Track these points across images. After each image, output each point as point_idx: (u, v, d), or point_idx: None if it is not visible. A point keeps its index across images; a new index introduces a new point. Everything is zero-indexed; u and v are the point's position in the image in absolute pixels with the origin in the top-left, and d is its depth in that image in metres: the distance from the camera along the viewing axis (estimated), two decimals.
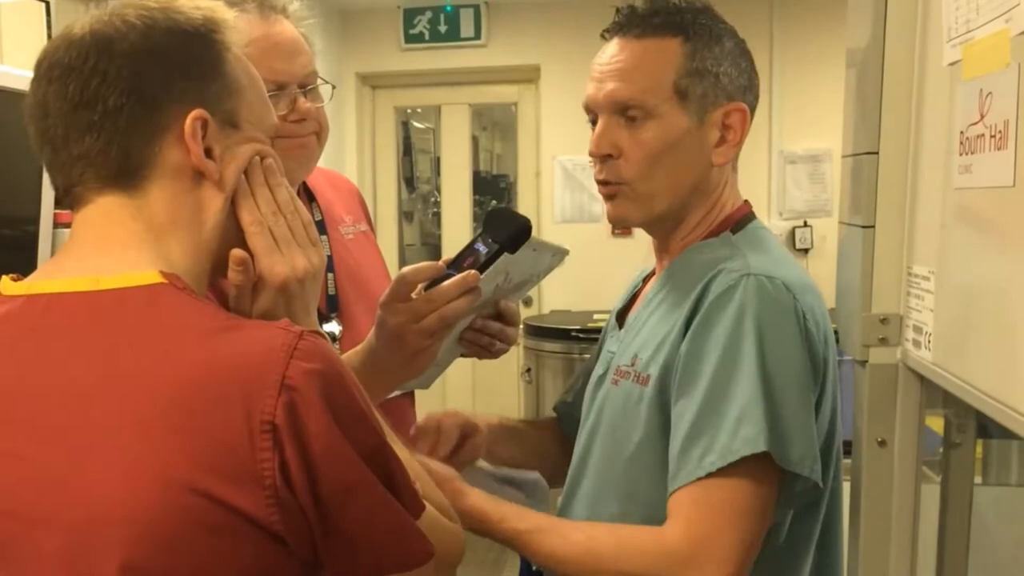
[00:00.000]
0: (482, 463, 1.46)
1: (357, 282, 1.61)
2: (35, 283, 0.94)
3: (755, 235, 1.33)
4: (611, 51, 1.30)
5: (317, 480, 0.85)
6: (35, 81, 0.95)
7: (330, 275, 1.58)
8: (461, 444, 1.44)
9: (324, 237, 1.60)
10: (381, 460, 0.91)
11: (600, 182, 1.33)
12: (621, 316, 1.44)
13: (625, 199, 1.31)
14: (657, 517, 1.21)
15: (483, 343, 1.47)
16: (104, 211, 0.94)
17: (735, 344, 1.17)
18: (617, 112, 1.28)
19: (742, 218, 1.34)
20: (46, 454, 0.86)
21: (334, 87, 1.56)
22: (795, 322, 1.18)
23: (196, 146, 0.94)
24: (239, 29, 1.01)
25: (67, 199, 0.97)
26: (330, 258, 1.59)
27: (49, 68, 0.94)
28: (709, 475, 1.14)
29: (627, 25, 1.30)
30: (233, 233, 0.99)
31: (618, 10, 1.32)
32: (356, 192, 1.80)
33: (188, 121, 0.93)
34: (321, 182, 1.68)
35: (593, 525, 1.27)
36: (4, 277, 0.97)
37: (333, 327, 1.54)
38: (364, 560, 0.92)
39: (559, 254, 1.44)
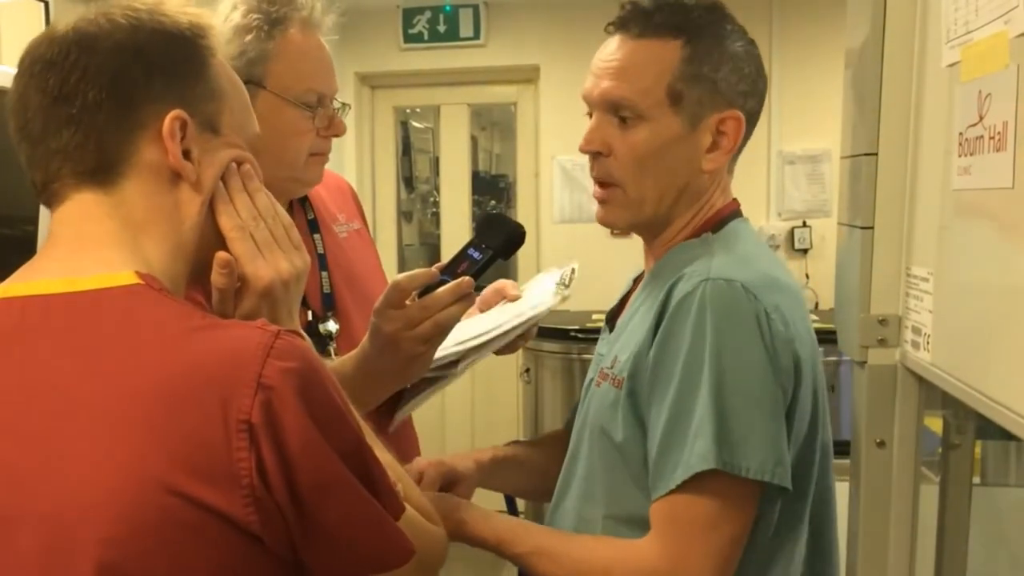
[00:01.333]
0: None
1: (351, 281, 1.61)
2: (11, 286, 0.94)
3: (731, 233, 1.31)
4: (611, 48, 1.29)
5: (294, 479, 0.85)
6: (17, 76, 0.95)
7: (324, 274, 1.58)
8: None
9: (317, 236, 1.61)
10: (359, 459, 0.91)
11: (595, 180, 1.32)
12: (612, 319, 1.44)
13: (615, 203, 1.31)
14: (641, 517, 1.22)
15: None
16: (81, 208, 0.94)
17: (694, 355, 1.17)
18: (609, 111, 1.27)
19: (726, 216, 1.33)
20: (22, 454, 0.86)
21: (349, 107, 1.59)
22: (755, 326, 1.17)
23: (174, 146, 0.94)
24: (222, 35, 1.03)
25: (44, 195, 0.97)
26: (324, 257, 1.60)
27: (31, 63, 0.94)
28: (678, 488, 1.16)
29: (629, 22, 1.27)
30: (211, 236, 0.99)
31: (622, 4, 1.29)
32: (349, 189, 1.80)
33: (167, 120, 0.93)
34: None
35: (584, 546, 1.28)
36: None
37: (330, 326, 1.54)
38: (343, 560, 0.92)
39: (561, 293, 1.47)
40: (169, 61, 0.95)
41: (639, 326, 1.28)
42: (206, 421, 0.83)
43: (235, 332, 0.89)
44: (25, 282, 0.94)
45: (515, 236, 1.39)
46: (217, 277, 1.00)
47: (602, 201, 1.32)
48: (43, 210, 0.95)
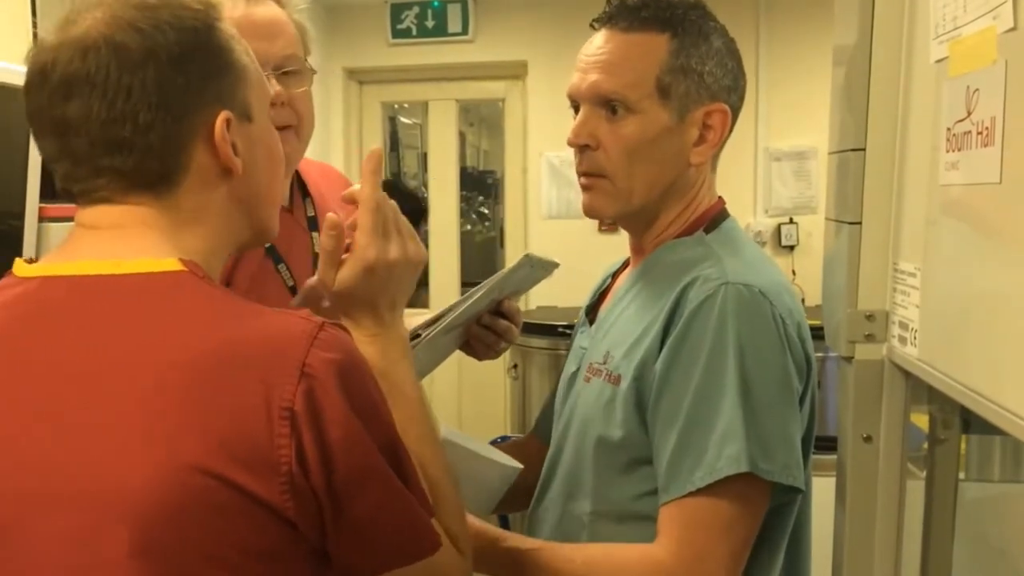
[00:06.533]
0: (455, 434, 1.39)
1: None
2: (51, 265, 0.94)
3: (728, 235, 1.33)
4: (598, 42, 1.30)
5: (332, 467, 0.86)
6: (45, 93, 0.91)
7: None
8: None
9: (315, 233, 1.60)
10: (394, 452, 0.92)
11: (581, 173, 1.33)
12: (591, 311, 1.43)
13: (602, 192, 1.31)
14: (629, 515, 1.23)
15: (489, 341, 1.48)
16: (128, 208, 0.94)
17: (717, 358, 1.17)
18: (599, 104, 1.28)
19: (716, 216, 1.34)
20: (60, 434, 0.85)
21: (314, 72, 1.52)
22: (775, 330, 1.19)
23: (227, 147, 0.95)
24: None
25: (82, 200, 0.96)
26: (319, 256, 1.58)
27: (64, 82, 0.90)
28: (698, 490, 1.16)
29: (615, 17, 1.29)
30: (255, 207, 1.01)
31: (608, 1, 1.31)
32: (347, 184, 1.79)
33: (218, 126, 0.94)
34: (315, 175, 1.67)
35: (584, 554, 1.25)
36: (17, 259, 0.97)
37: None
38: (373, 549, 0.92)
39: (549, 267, 1.45)
40: (202, 59, 0.94)
41: (634, 323, 1.28)
42: (247, 406, 0.84)
43: (280, 320, 0.90)
44: (67, 262, 0.93)
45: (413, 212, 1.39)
46: (326, 239, 1.02)
47: (587, 188, 1.32)
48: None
